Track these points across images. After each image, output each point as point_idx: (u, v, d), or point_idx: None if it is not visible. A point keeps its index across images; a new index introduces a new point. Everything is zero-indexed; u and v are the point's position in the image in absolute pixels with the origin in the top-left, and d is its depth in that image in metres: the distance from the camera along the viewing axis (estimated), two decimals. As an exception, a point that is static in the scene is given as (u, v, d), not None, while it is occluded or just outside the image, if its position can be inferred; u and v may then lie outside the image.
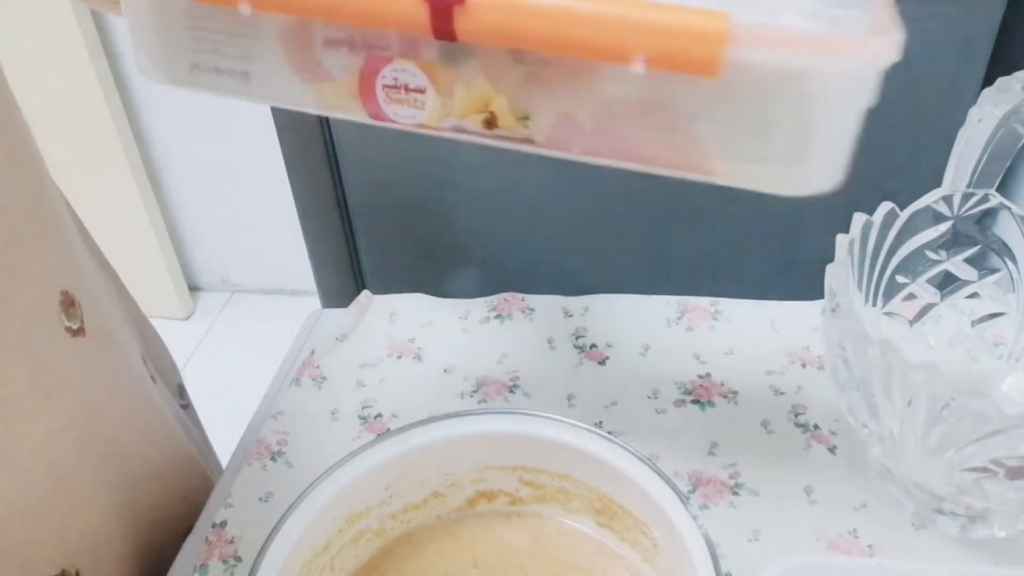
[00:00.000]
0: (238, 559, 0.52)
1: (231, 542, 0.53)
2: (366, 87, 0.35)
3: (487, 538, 0.48)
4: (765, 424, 0.58)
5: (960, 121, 0.50)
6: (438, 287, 0.69)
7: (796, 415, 0.58)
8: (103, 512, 0.49)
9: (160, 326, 0.71)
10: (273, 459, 0.58)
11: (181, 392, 0.70)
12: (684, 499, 0.41)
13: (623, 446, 0.44)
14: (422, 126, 0.36)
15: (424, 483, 0.47)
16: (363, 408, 0.61)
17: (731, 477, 0.54)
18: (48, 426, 0.43)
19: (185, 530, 0.56)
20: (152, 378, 0.60)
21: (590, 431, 0.45)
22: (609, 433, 0.44)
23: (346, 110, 0.36)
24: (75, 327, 0.46)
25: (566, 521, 0.48)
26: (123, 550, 0.52)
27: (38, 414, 0.42)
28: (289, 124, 1.16)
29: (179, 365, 0.73)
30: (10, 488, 0.42)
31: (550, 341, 0.64)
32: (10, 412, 0.40)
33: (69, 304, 0.45)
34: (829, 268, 0.48)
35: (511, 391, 0.61)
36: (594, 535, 0.47)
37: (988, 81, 0.52)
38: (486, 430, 0.46)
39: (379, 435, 0.46)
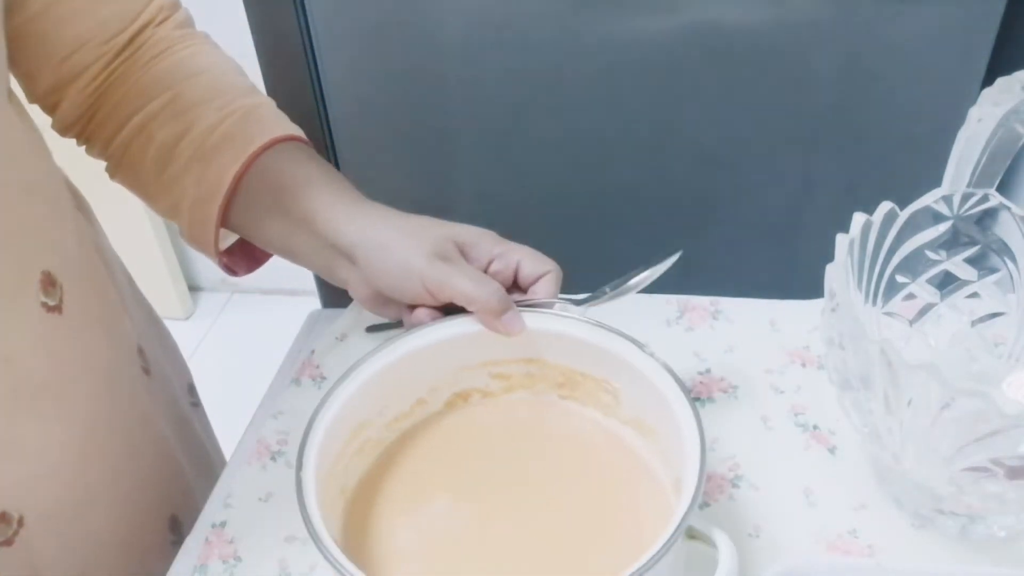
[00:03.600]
0: (238, 559, 0.52)
1: (231, 542, 0.53)
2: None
3: (470, 426, 0.53)
4: (765, 420, 0.58)
5: (960, 121, 0.50)
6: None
7: (796, 415, 0.58)
8: (61, 466, 0.51)
9: (159, 326, 0.71)
10: (273, 459, 0.58)
11: (191, 391, 0.73)
12: (638, 344, 0.49)
13: (578, 318, 0.51)
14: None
15: (410, 392, 0.51)
16: (363, 408, 0.61)
17: (731, 471, 0.54)
18: (4, 383, 0.47)
19: (150, 512, 0.59)
20: (145, 370, 0.62)
21: (549, 313, 0.51)
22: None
23: None
24: (52, 304, 0.50)
25: (534, 401, 0.54)
26: (74, 504, 0.53)
27: None
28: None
29: (179, 365, 0.73)
30: None
31: (550, 341, 0.65)
32: None
33: (49, 284, 0.50)
34: (829, 268, 0.48)
35: (511, 391, 0.61)
36: (559, 405, 0.54)
37: (988, 81, 0.52)
38: (456, 333, 0.51)
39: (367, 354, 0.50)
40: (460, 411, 0.54)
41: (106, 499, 0.56)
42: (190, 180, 0.54)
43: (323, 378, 0.63)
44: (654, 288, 0.66)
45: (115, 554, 0.57)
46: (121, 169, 0.57)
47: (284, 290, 1.98)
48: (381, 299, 0.54)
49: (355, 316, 0.68)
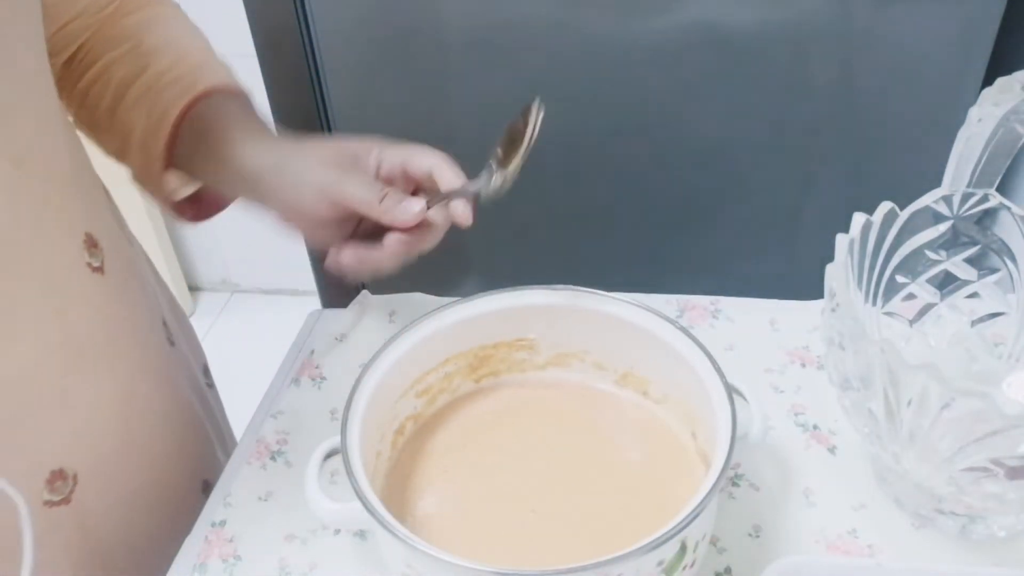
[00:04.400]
0: (238, 558, 0.52)
1: (231, 541, 0.53)
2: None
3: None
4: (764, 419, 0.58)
5: (960, 121, 0.50)
6: (438, 287, 0.69)
7: (796, 415, 0.58)
8: (103, 421, 0.53)
9: (160, 326, 0.71)
10: (273, 459, 0.58)
11: (206, 372, 0.74)
12: (548, 288, 0.52)
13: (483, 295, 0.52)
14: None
15: (370, 447, 0.49)
16: (363, 408, 0.61)
17: (731, 470, 0.54)
18: (56, 336, 0.49)
19: (182, 476, 0.60)
20: (170, 340, 0.64)
21: (457, 304, 0.52)
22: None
23: None
24: (96, 264, 0.52)
25: (454, 400, 0.55)
26: (120, 468, 0.55)
27: (48, 324, 0.48)
28: (290, 123, 1.16)
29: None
30: (21, 383, 0.47)
31: (550, 341, 0.65)
32: (21, 317, 0.47)
33: (92, 245, 0.52)
34: (829, 268, 0.48)
35: (511, 391, 0.61)
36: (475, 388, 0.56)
37: (988, 81, 0.52)
38: (389, 363, 0.50)
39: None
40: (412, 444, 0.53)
41: (143, 457, 0.57)
42: (140, 114, 0.56)
43: (323, 378, 0.63)
44: (654, 288, 0.66)
45: (154, 515, 0.58)
46: (83, 111, 0.59)
47: (284, 290, 1.98)
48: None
49: (355, 316, 0.68)
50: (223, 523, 0.54)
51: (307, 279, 1.36)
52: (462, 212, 0.51)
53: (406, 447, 0.52)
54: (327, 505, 0.45)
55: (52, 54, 0.57)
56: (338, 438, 0.45)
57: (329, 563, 0.51)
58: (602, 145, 1.05)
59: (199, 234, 1.94)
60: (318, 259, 1.24)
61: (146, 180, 0.58)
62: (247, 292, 2.02)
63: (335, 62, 1.04)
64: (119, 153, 0.59)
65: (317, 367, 0.64)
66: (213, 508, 0.55)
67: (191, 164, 0.57)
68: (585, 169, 1.07)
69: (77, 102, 0.59)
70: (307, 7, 0.99)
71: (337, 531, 0.53)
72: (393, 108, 1.07)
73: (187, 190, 0.61)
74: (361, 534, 0.53)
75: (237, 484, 0.56)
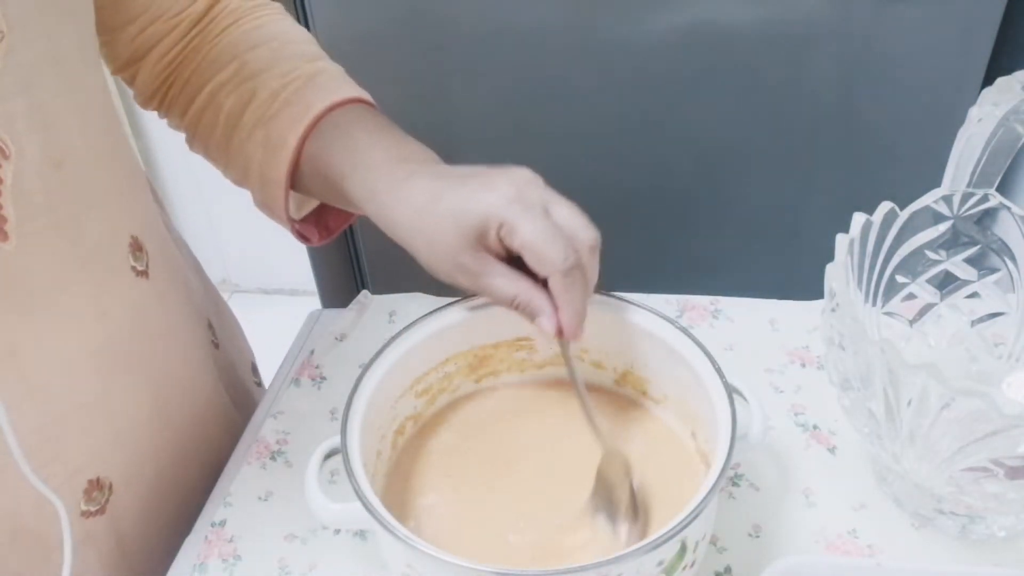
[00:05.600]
0: (237, 557, 0.52)
1: (230, 541, 0.53)
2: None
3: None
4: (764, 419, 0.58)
5: (960, 121, 0.50)
6: (438, 287, 0.69)
7: (796, 415, 0.58)
8: (137, 427, 0.53)
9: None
10: (273, 458, 0.58)
11: (254, 370, 0.76)
12: None
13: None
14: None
15: (371, 447, 0.49)
16: (363, 408, 0.61)
17: (730, 469, 0.54)
18: (98, 339, 0.49)
19: (208, 476, 0.59)
20: (214, 343, 0.64)
21: (454, 304, 0.53)
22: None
23: None
24: (140, 268, 0.52)
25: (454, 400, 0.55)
26: (151, 474, 0.55)
27: (90, 327, 0.48)
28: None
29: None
30: (62, 387, 0.47)
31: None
32: (64, 320, 0.47)
33: (137, 248, 0.52)
34: (829, 268, 0.48)
35: (511, 391, 0.61)
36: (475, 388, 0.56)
37: (988, 81, 0.52)
38: (390, 363, 0.50)
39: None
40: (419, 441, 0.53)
41: (173, 463, 0.57)
42: (255, 145, 0.54)
43: (323, 378, 0.63)
44: (654, 288, 0.66)
45: (180, 518, 0.57)
46: (196, 139, 0.58)
47: (284, 290, 1.98)
48: None
49: (355, 316, 0.68)
50: (223, 523, 0.54)
51: (307, 279, 1.36)
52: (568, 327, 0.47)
53: (406, 447, 0.52)
54: (327, 505, 0.45)
55: (136, 59, 0.56)
56: (338, 438, 0.45)
57: (329, 563, 0.51)
58: (602, 145, 1.05)
59: (199, 234, 1.94)
60: (318, 259, 1.24)
61: (269, 207, 0.56)
62: (247, 292, 2.02)
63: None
64: (239, 181, 0.58)
65: (317, 367, 0.64)
66: (213, 508, 0.55)
67: (313, 190, 0.55)
68: (584, 169, 1.07)
69: (191, 130, 0.58)
70: (308, 10, 0.99)
71: (337, 531, 0.53)
72: (394, 111, 1.07)
73: (308, 207, 0.60)
74: (361, 534, 0.53)
75: (237, 484, 0.56)
